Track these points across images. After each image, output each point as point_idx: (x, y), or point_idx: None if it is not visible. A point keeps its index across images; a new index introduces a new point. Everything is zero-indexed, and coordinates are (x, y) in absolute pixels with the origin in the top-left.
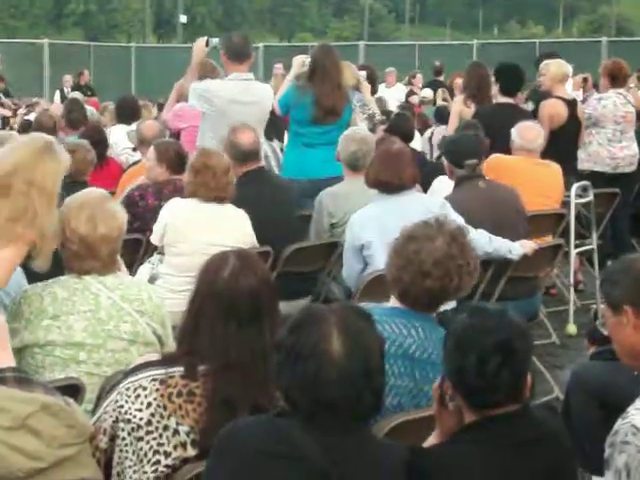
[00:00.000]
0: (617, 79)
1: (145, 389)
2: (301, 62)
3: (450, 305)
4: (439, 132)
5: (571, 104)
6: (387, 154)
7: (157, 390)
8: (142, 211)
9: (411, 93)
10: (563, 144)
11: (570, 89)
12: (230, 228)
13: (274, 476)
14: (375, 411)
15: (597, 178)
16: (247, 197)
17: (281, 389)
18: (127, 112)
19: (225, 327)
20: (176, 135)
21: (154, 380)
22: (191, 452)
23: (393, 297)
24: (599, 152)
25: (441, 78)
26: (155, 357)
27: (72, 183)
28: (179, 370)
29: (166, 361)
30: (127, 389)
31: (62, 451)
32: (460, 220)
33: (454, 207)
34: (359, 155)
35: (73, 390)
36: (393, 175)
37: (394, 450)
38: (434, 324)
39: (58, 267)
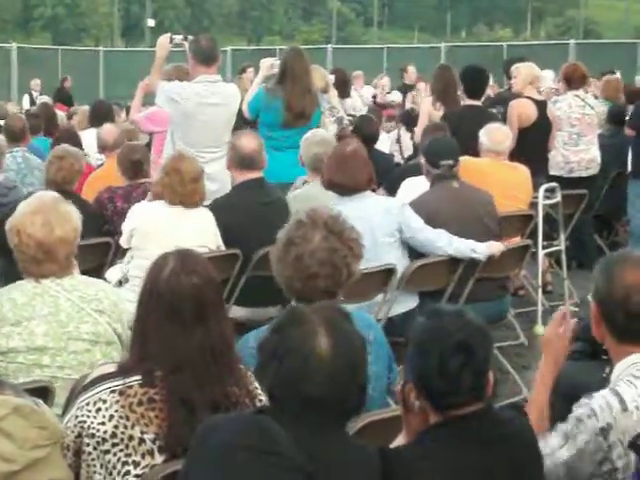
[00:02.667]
0: (572, 81)
1: (105, 402)
2: (269, 65)
3: (407, 307)
4: (405, 134)
5: (540, 105)
6: (341, 156)
7: (117, 402)
8: (111, 214)
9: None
10: (532, 145)
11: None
12: (195, 230)
13: (253, 471)
14: (360, 408)
15: (556, 182)
16: (237, 206)
17: (264, 388)
18: (100, 116)
19: (171, 328)
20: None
21: (113, 392)
22: (159, 459)
23: (293, 301)
24: (554, 156)
25: (408, 81)
26: (111, 368)
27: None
28: (137, 379)
29: (122, 371)
30: (87, 404)
31: (34, 453)
32: (420, 222)
33: (424, 206)
34: (321, 157)
35: (43, 392)
36: (347, 177)
37: (370, 451)
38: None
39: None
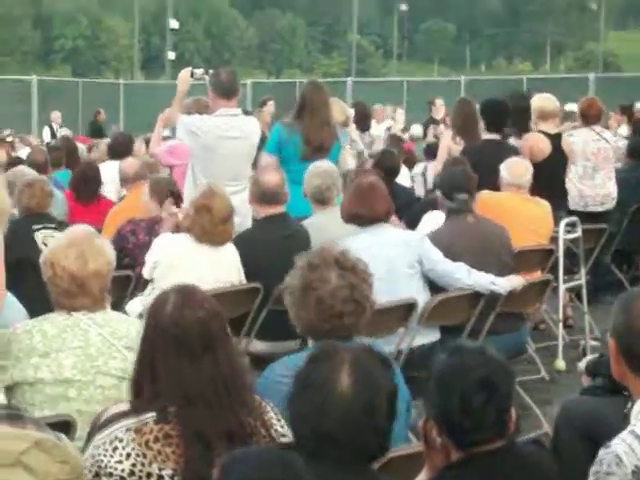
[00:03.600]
0: (588, 116)
1: (121, 440)
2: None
3: (428, 339)
4: (432, 167)
5: (554, 138)
6: (359, 188)
7: (133, 439)
8: (132, 247)
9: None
10: (549, 179)
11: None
12: (218, 265)
13: None
14: (379, 453)
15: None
16: (260, 241)
17: (289, 419)
18: (121, 149)
19: (179, 362)
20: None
21: (128, 430)
22: None
23: (311, 342)
24: (570, 189)
25: (437, 115)
26: (124, 406)
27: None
28: (151, 415)
29: (136, 409)
30: (103, 443)
31: None
32: (439, 254)
33: (440, 240)
34: (323, 188)
35: (64, 427)
36: (366, 208)
37: None
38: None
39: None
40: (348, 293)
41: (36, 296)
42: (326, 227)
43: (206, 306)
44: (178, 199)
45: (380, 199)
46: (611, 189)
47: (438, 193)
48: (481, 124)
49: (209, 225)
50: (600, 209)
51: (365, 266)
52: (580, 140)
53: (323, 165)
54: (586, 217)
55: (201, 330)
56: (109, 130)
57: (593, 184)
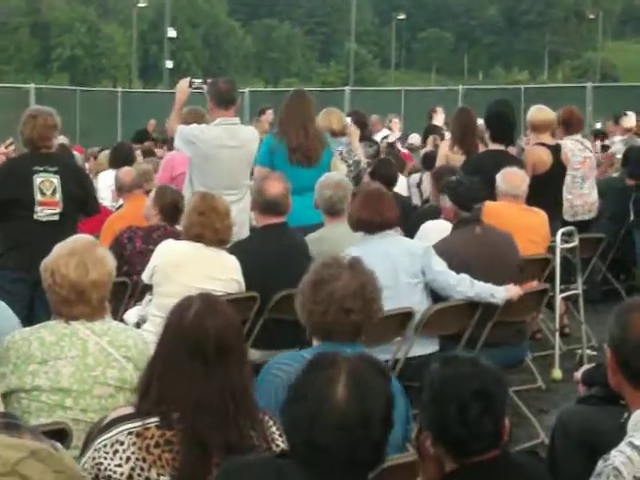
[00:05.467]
0: (571, 125)
1: (122, 444)
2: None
3: (426, 351)
4: (427, 178)
5: (554, 150)
6: (367, 194)
7: (134, 443)
8: (129, 254)
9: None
10: (548, 190)
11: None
12: (218, 272)
13: None
14: (373, 464)
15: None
16: (259, 251)
17: (282, 427)
18: (121, 158)
19: (192, 369)
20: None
21: (130, 434)
22: None
23: (315, 341)
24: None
25: (437, 122)
26: (129, 410)
27: (37, 152)
28: (154, 420)
29: (140, 413)
30: (104, 445)
31: None
32: (443, 265)
33: (448, 250)
34: (335, 200)
35: (60, 435)
36: (375, 213)
37: None
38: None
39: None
40: (359, 289)
41: (20, 238)
42: (337, 238)
43: (227, 316)
44: (179, 213)
45: (388, 205)
46: (595, 197)
47: (448, 202)
48: (486, 134)
49: (218, 222)
50: (587, 217)
51: (373, 273)
52: (567, 150)
53: (335, 177)
54: (574, 226)
55: (218, 339)
56: (97, 138)
57: (581, 193)
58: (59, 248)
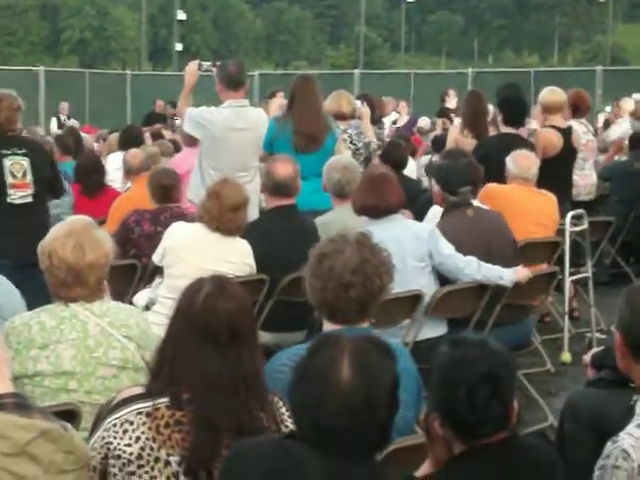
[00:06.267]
0: (579, 109)
1: (132, 423)
2: (282, 102)
3: (435, 333)
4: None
5: (565, 132)
6: (371, 179)
7: (144, 423)
8: (137, 238)
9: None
10: (558, 172)
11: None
12: (229, 255)
13: None
14: (380, 446)
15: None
16: (268, 232)
17: (290, 409)
18: (131, 140)
19: (204, 351)
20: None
21: (140, 413)
22: None
23: (325, 321)
24: None
25: (450, 105)
26: (138, 390)
27: (4, 135)
28: (165, 401)
29: (150, 393)
30: (114, 425)
31: (60, 477)
32: (450, 248)
33: (443, 235)
34: (343, 183)
35: (69, 416)
36: (379, 199)
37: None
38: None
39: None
40: (359, 264)
41: None
42: (345, 221)
43: (239, 299)
44: (170, 192)
45: (393, 190)
46: (594, 179)
47: (435, 186)
48: (498, 118)
49: (217, 213)
50: (586, 198)
51: (387, 252)
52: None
53: (343, 160)
54: (576, 206)
55: (230, 322)
56: (107, 121)
57: (583, 174)
58: (56, 230)
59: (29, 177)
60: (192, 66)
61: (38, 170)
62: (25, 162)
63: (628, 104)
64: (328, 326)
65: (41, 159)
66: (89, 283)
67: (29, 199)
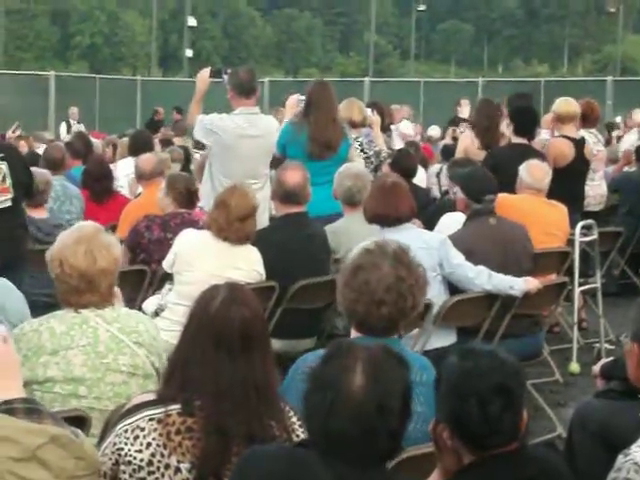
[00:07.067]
0: (589, 119)
1: (143, 430)
2: (296, 101)
3: (445, 342)
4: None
5: (578, 143)
6: (382, 188)
7: (155, 430)
8: (147, 243)
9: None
10: (568, 183)
11: None
12: (239, 262)
13: None
14: (390, 454)
15: None
16: (278, 240)
17: (302, 417)
18: (141, 146)
19: (216, 357)
20: None
21: (151, 420)
22: None
23: (352, 330)
24: None
25: (463, 115)
26: (150, 396)
27: None
28: (176, 407)
29: (162, 400)
30: (125, 431)
31: None
32: (461, 258)
33: (462, 242)
34: (354, 191)
35: (79, 422)
36: (390, 208)
37: None
38: (399, 345)
39: None
40: (394, 283)
41: None
42: (356, 229)
43: (252, 306)
44: (194, 196)
45: (404, 199)
46: (604, 189)
47: (460, 194)
48: (509, 128)
49: (224, 221)
50: (596, 209)
51: (423, 269)
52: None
53: (355, 167)
54: (585, 217)
55: (243, 329)
56: (110, 124)
57: (593, 185)
58: (65, 237)
59: (8, 181)
60: (204, 73)
61: (17, 174)
62: (4, 166)
63: (639, 115)
64: (355, 334)
65: (18, 163)
66: (100, 289)
67: (9, 203)
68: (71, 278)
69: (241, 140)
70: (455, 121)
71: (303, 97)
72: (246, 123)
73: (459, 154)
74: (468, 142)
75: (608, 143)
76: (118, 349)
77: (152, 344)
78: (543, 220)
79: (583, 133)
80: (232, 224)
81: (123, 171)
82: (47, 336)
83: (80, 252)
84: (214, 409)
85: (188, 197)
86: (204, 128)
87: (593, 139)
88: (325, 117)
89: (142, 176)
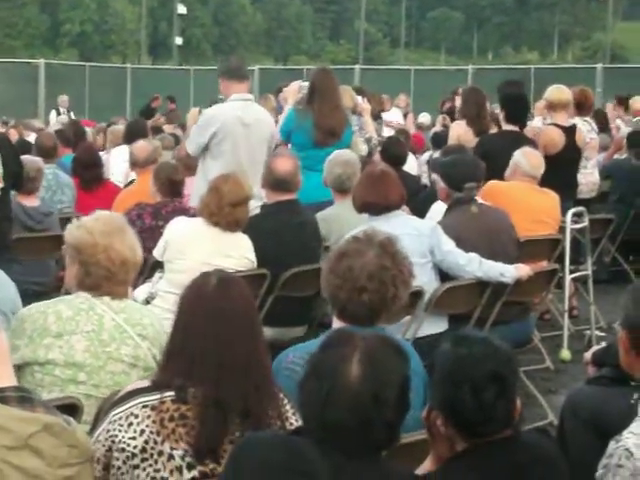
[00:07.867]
0: (583, 107)
1: (137, 417)
2: (297, 88)
3: (436, 329)
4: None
5: (569, 131)
6: (371, 176)
7: (149, 417)
8: (138, 231)
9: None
10: (559, 171)
11: None
12: (230, 250)
13: None
14: (386, 444)
15: None
16: (269, 228)
17: (298, 405)
18: (136, 133)
19: (210, 343)
20: None
21: (145, 407)
22: (187, 476)
23: (334, 318)
24: None
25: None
26: (144, 383)
27: None
28: (170, 394)
29: (156, 386)
30: (119, 418)
31: (63, 471)
32: (451, 245)
33: (446, 231)
34: (344, 178)
35: (71, 409)
36: (379, 196)
37: (406, 476)
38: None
39: None
40: (377, 271)
41: None
42: (346, 216)
43: (243, 293)
44: (178, 186)
45: (393, 187)
46: (597, 177)
47: (440, 182)
48: (500, 115)
49: (215, 207)
50: (588, 196)
51: (409, 262)
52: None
53: (344, 154)
54: (577, 204)
55: (237, 316)
56: (100, 112)
57: (585, 173)
58: (101, 223)
59: (0, 171)
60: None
61: (8, 164)
62: None
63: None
64: (337, 323)
65: (9, 153)
66: (128, 280)
67: None
68: (113, 265)
69: (237, 127)
70: (453, 111)
71: (305, 84)
72: (240, 111)
73: (451, 142)
74: (461, 130)
75: (602, 130)
76: (121, 339)
77: (156, 337)
78: (533, 208)
79: (577, 121)
80: (223, 209)
81: (117, 158)
82: (53, 319)
83: (126, 242)
84: (214, 381)
85: (170, 187)
86: (199, 127)
87: (587, 127)
88: (329, 104)
89: (136, 163)
